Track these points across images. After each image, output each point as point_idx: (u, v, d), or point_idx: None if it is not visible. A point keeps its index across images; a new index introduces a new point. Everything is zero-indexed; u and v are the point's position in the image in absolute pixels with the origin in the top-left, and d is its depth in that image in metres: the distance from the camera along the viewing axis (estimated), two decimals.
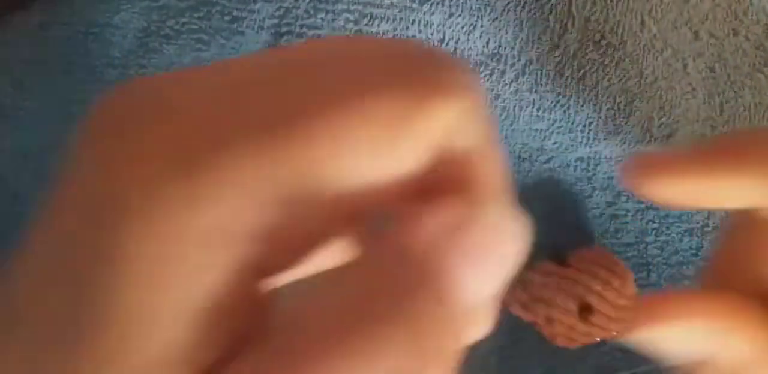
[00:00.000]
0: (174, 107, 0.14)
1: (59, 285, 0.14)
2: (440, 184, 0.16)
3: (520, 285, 0.24)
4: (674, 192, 0.19)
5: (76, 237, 0.14)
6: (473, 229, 0.15)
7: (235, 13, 0.29)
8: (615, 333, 0.24)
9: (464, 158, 0.16)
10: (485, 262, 0.15)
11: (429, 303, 0.14)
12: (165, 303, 0.14)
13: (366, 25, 0.29)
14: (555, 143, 0.29)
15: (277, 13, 0.29)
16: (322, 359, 0.13)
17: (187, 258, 0.13)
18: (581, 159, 0.29)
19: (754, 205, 0.19)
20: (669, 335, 0.19)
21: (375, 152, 0.14)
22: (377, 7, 0.29)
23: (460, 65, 0.15)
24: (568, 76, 0.29)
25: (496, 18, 0.29)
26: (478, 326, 0.16)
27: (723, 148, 0.19)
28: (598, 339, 0.24)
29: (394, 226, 0.15)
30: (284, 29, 0.29)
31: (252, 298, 0.14)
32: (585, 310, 0.25)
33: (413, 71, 0.15)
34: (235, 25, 0.29)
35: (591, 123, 0.29)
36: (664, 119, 0.30)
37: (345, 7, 0.29)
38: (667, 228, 0.30)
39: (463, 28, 0.29)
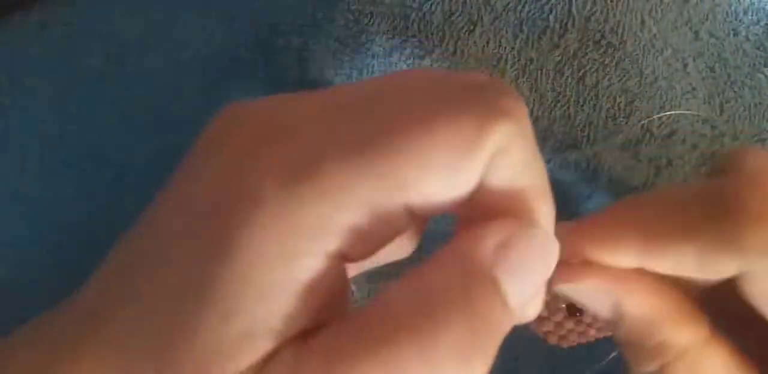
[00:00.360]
0: (289, 128, 0.18)
1: (183, 257, 0.17)
2: (496, 202, 0.19)
3: None
4: (590, 252, 0.22)
5: (209, 221, 0.17)
6: (524, 248, 0.18)
7: (233, 11, 0.30)
8: (610, 333, 0.24)
9: (516, 182, 0.19)
10: (531, 274, 0.19)
11: (487, 306, 0.18)
12: (270, 280, 0.17)
13: (367, 24, 0.29)
14: (555, 143, 0.29)
15: (277, 12, 0.29)
16: (394, 341, 0.17)
17: (294, 244, 0.17)
18: (580, 159, 0.29)
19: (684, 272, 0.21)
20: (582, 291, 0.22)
21: (447, 168, 0.17)
22: (378, 6, 0.29)
23: (512, 91, 0.19)
24: (568, 76, 0.29)
25: (497, 18, 0.29)
26: (516, 322, 0.19)
27: (606, 218, 0.22)
28: (593, 339, 0.24)
29: (461, 239, 0.18)
30: (284, 28, 0.29)
31: (337, 281, 0.18)
32: (574, 309, 0.25)
33: (478, 98, 0.18)
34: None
35: (591, 123, 0.29)
36: (664, 119, 0.30)
37: (345, 6, 0.29)
38: None
39: (463, 27, 0.29)
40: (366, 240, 0.18)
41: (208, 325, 0.17)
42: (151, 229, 0.19)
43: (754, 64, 0.30)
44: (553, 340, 0.25)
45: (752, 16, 0.30)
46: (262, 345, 0.17)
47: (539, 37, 0.29)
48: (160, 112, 0.29)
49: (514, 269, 0.18)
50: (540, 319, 0.25)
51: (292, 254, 0.17)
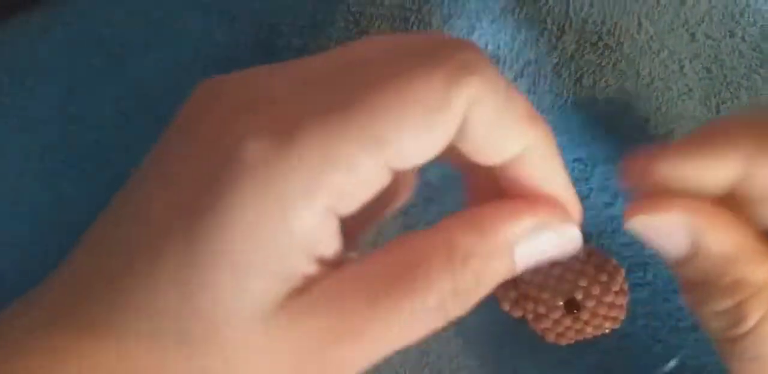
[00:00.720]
0: (266, 97, 0.19)
1: (177, 230, 0.19)
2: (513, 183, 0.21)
3: (510, 283, 0.24)
4: (674, 175, 0.21)
5: (198, 190, 0.19)
6: (548, 242, 0.21)
7: (234, 12, 0.30)
8: (607, 330, 0.24)
9: (523, 158, 0.21)
10: (544, 258, 0.22)
11: (495, 275, 0.21)
12: (269, 236, 0.18)
13: (366, 25, 0.29)
14: None
15: (278, 13, 0.30)
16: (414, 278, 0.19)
17: (285, 203, 0.18)
18: (578, 160, 0.29)
19: (741, 176, 0.21)
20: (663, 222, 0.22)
21: (421, 123, 0.19)
22: (377, 8, 0.29)
23: (473, 46, 0.20)
24: (565, 78, 0.30)
25: (495, 20, 0.30)
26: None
27: (709, 130, 0.22)
28: (590, 336, 0.25)
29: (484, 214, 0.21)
30: (284, 29, 0.29)
31: (330, 234, 0.19)
32: (572, 306, 0.25)
33: (443, 57, 0.19)
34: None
35: (588, 124, 0.29)
36: (660, 120, 0.30)
37: (345, 7, 0.29)
38: None
39: (461, 29, 0.30)
40: (352, 196, 0.19)
41: (220, 281, 0.18)
42: (133, 207, 0.21)
43: (751, 66, 0.30)
44: (550, 338, 0.25)
45: (749, 17, 0.30)
46: (273, 295, 0.19)
47: (537, 39, 0.30)
48: (160, 112, 0.29)
49: (532, 250, 0.21)
50: (538, 316, 0.25)
51: (284, 213, 0.18)
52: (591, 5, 0.30)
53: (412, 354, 0.28)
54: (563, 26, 0.30)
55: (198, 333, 0.19)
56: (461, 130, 0.20)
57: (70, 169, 0.29)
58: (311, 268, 0.19)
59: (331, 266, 0.20)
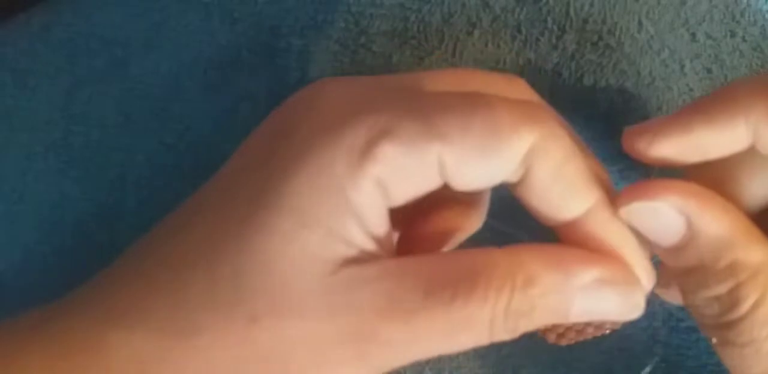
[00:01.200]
0: (375, 99, 0.21)
1: (244, 180, 0.21)
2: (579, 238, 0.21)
3: None
4: (679, 145, 0.22)
5: (262, 165, 0.20)
6: (608, 297, 0.21)
7: (235, 14, 0.30)
8: (608, 331, 0.24)
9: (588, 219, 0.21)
10: (601, 315, 0.22)
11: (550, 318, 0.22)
12: (323, 196, 0.19)
13: (366, 25, 0.29)
14: None
15: (278, 15, 0.30)
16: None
17: (341, 165, 0.20)
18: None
19: (751, 141, 0.21)
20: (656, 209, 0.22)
21: (479, 144, 0.20)
22: (377, 8, 0.30)
23: (544, 107, 0.22)
24: (566, 77, 0.30)
25: (495, 19, 0.30)
26: None
27: (715, 95, 0.22)
28: (590, 337, 0.25)
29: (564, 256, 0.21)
30: (284, 30, 0.29)
31: (381, 214, 0.20)
32: None
33: (521, 103, 0.21)
34: None
35: (588, 124, 0.29)
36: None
37: (345, 8, 0.29)
38: None
39: (462, 29, 0.30)
40: (402, 180, 0.20)
41: (279, 224, 0.19)
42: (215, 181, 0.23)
43: (751, 65, 0.30)
44: (551, 338, 0.25)
45: (749, 17, 0.30)
46: (329, 253, 0.19)
47: (537, 39, 0.30)
48: (162, 112, 0.30)
49: (591, 304, 0.21)
50: None
51: (339, 171, 0.19)
52: (591, 5, 0.30)
53: None
54: (564, 26, 0.30)
55: (249, 276, 0.19)
56: (525, 179, 0.21)
57: (72, 169, 0.29)
58: (366, 241, 0.20)
59: (387, 255, 0.20)
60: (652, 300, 0.27)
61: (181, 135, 0.29)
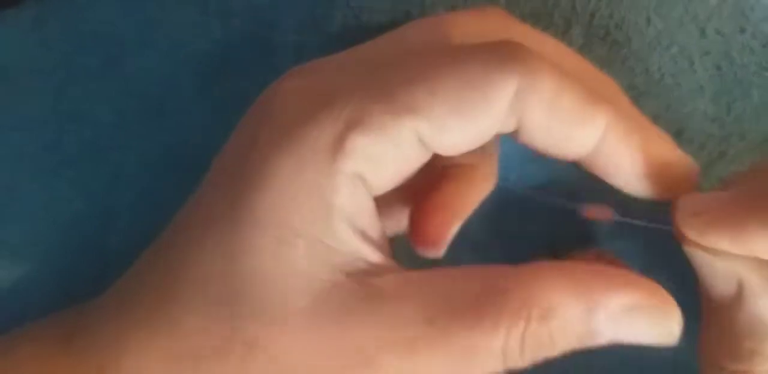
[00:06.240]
0: (334, 90, 0.19)
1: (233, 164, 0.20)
2: None
3: None
4: (731, 243, 0.20)
5: (250, 140, 0.20)
6: (641, 322, 0.19)
7: (232, 9, 0.29)
8: None
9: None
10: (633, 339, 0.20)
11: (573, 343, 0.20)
12: (301, 198, 0.19)
13: (366, 20, 0.29)
14: None
15: (275, 9, 0.29)
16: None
17: (313, 165, 0.19)
18: None
19: None
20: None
21: (457, 98, 0.18)
22: (378, 2, 0.29)
23: (520, 44, 0.20)
24: None
25: None
26: None
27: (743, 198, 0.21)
28: None
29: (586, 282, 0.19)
30: (282, 25, 0.29)
31: (368, 209, 0.19)
32: None
33: (492, 47, 0.19)
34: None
35: None
36: (670, 117, 0.30)
37: (344, 2, 0.29)
38: None
39: None
40: (381, 162, 0.19)
41: (261, 245, 0.18)
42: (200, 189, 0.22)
43: (761, 63, 0.30)
44: None
45: (759, 13, 0.30)
46: (318, 267, 0.18)
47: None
48: (157, 109, 0.29)
49: (620, 331, 0.19)
50: None
51: (312, 169, 0.18)
52: None
53: None
54: (570, 20, 0.29)
55: (243, 300, 0.18)
56: (521, 126, 0.19)
57: (65, 168, 0.29)
58: (361, 245, 0.19)
59: (386, 259, 0.19)
60: None
61: (175, 133, 0.29)
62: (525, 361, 0.19)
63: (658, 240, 0.25)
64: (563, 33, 0.29)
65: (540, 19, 0.29)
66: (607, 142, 0.20)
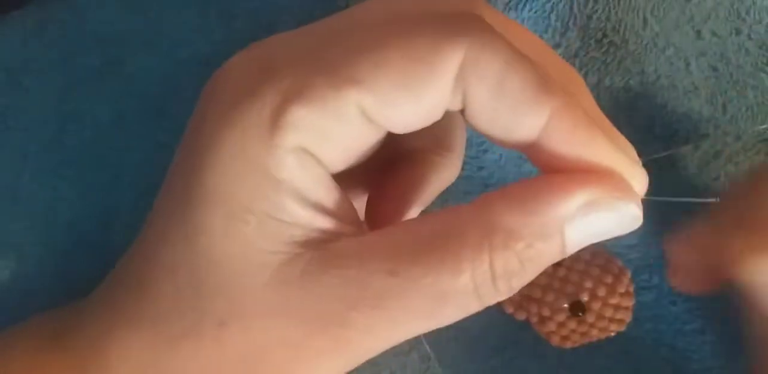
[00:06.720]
0: (276, 64, 0.19)
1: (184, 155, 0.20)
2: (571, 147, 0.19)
3: None
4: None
5: (188, 144, 0.20)
6: (605, 217, 0.19)
7: (232, 10, 0.29)
8: (612, 333, 0.24)
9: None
10: (599, 237, 0.19)
11: (547, 253, 0.19)
12: (248, 172, 0.18)
13: None
14: None
15: (275, 10, 0.29)
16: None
17: (257, 140, 0.18)
18: None
19: None
20: None
21: (401, 71, 0.18)
22: None
23: (474, 16, 0.18)
24: None
25: None
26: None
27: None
28: (595, 339, 0.24)
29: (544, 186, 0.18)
30: (281, 26, 0.29)
31: (322, 184, 0.19)
32: (577, 308, 0.24)
33: (435, 17, 0.18)
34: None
35: None
36: (666, 118, 0.30)
37: (344, 4, 0.29)
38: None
39: None
40: (328, 138, 0.18)
41: (212, 224, 0.18)
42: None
43: (757, 64, 0.30)
44: (555, 341, 0.25)
45: (755, 15, 0.30)
46: (271, 242, 0.18)
47: (541, 36, 0.29)
48: (158, 110, 0.29)
49: (586, 231, 0.18)
50: (542, 320, 0.24)
51: (255, 145, 0.18)
52: (595, 2, 0.29)
53: (413, 358, 0.28)
54: (567, 23, 0.29)
55: (206, 280, 0.18)
56: (467, 104, 0.18)
57: (67, 168, 0.29)
58: (315, 217, 0.18)
59: (346, 227, 0.19)
60: (657, 302, 0.27)
61: (176, 134, 0.29)
62: (502, 293, 0.18)
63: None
64: (561, 35, 0.29)
65: (537, 22, 0.29)
66: (550, 133, 0.18)
